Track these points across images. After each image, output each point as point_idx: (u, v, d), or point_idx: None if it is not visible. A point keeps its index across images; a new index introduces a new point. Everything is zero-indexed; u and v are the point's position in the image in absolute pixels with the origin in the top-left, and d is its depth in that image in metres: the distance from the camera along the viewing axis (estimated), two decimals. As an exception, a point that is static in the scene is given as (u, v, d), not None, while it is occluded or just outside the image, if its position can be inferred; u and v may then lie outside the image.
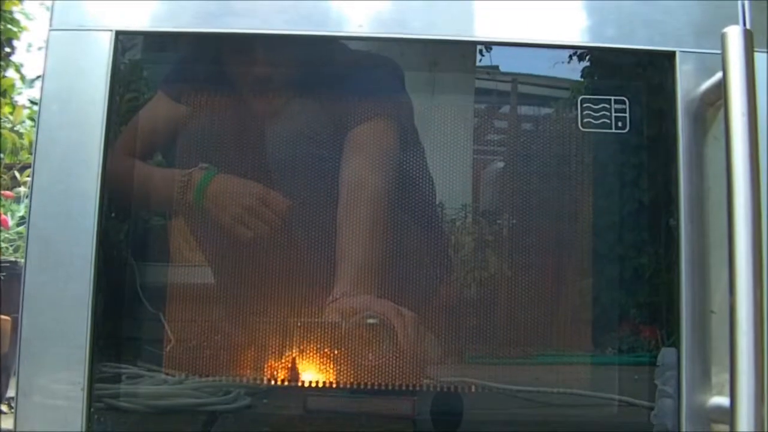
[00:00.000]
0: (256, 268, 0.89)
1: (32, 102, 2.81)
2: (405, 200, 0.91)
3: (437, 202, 0.90)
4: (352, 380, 0.85)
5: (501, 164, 0.92)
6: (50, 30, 0.86)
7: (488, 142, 0.93)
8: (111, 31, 0.85)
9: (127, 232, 0.86)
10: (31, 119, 2.73)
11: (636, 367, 0.86)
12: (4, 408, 2.09)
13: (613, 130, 0.86)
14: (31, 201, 0.84)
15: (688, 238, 0.83)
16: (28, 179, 2.58)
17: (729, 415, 0.76)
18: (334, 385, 0.85)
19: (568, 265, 0.90)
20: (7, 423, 1.81)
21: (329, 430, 0.83)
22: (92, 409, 0.81)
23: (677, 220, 0.84)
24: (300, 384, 0.85)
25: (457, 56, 0.91)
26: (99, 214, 0.83)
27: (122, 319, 0.85)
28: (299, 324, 0.87)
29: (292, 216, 0.90)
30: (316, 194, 0.89)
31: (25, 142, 2.63)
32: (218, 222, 0.90)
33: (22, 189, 2.62)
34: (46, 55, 0.85)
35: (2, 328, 1.89)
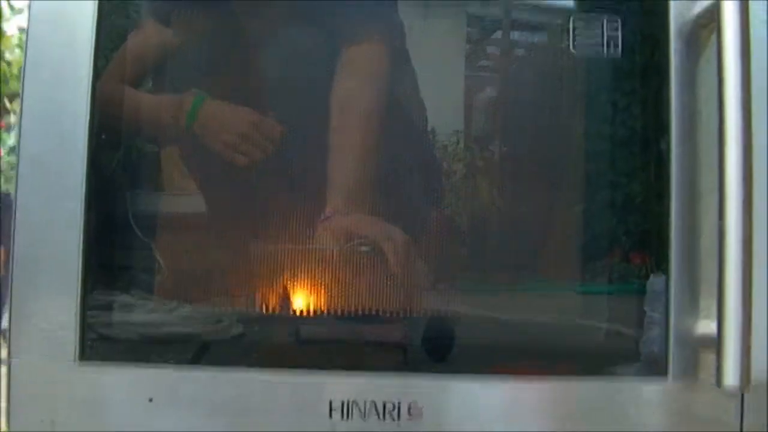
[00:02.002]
0: (248, 194, 0.89)
1: (21, 30, 2.78)
2: (396, 123, 0.90)
3: (428, 127, 0.89)
4: (344, 307, 0.85)
5: (492, 89, 0.91)
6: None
7: (480, 68, 0.93)
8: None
9: (118, 158, 0.86)
10: (20, 47, 2.69)
11: (625, 296, 0.86)
12: None
13: (605, 52, 0.85)
14: (20, 123, 0.83)
15: (679, 162, 0.83)
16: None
17: (715, 339, 0.77)
18: (325, 313, 0.85)
19: (559, 192, 0.90)
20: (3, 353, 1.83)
21: (321, 357, 0.83)
22: (85, 337, 0.82)
23: (668, 144, 0.83)
24: (292, 312, 0.86)
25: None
26: (89, 136, 0.82)
27: (114, 246, 0.85)
28: (291, 250, 0.87)
29: (284, 140, 0.89)
30: (308, 116, 0.89)
31: (14, 70, 2.60)
32: (210, 147, 0.90)
33: (13, 118, 2.60)
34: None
35: None
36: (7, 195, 2.20)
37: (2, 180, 2.35)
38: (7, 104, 2.60)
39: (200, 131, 0.89)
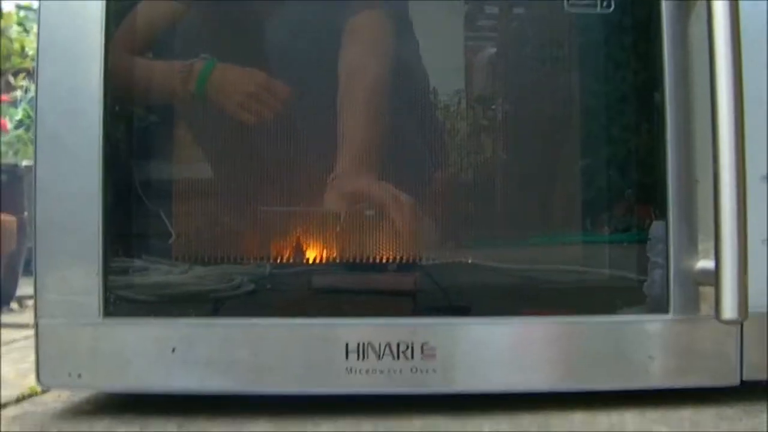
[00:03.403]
0: (257, 156, 0.92)
1: (18, 7, 2.80)
2: (402, 87, 0.94)
3: (431, 89, 0.93)
4: (354, 258, 0.89)
5: (491, 48, 0.95)
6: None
7: (479, 28, 0.96)
8: None
9: (131, 127, 0.89)
10: (19, 24, 2.72)
11: (628, 244, 0.89)
12: (15, 306, 2.14)
13: (599, 10, 0.89)
14: (37, 100, 0.86)
15: (673, 114, 0.86)
16: (23, 83, 2.61)
17: (714, 275, 0.80)
18: (337, 264, 0.89)
19: (560, 148, 0.93)
20: (22, 318, 1.86)
21: (334, 305, 0.87)
22: (108, 297, 0.85)
23: (662, 97, 0.87)
24: (303, 264, 0.89)
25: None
26: (104, 109, 0.85)
27: (130, 213, 0.88)
28: (300, 210, 0.91)
29: (294, 103, 0.93)
30: (316, 81, 0.92)
31: (16, 46, 2.64)
32: (219, 110, 0.93)
33: (18, 93, 2.64)
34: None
35: (7, 228, 1.93)
36: (17, 166, 2.23)
37: (8, 152, 2.38)
38: (11, 80, 2.63)
39: (210, 95, 0.92)
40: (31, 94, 1.78)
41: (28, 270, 0.86)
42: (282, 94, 0.94)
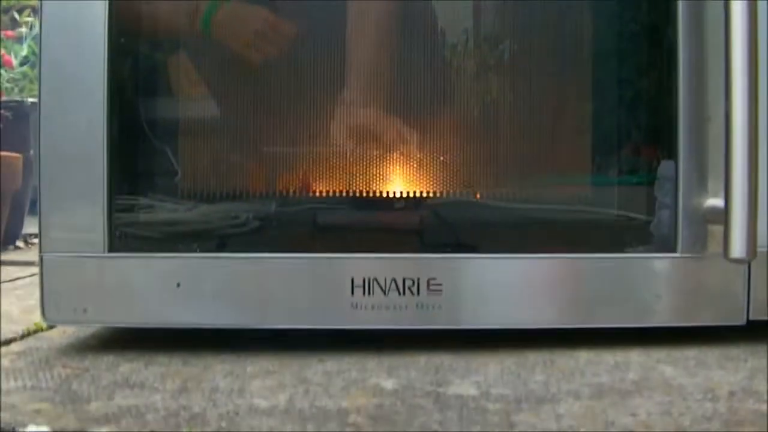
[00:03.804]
0: (263, 93, 0.91)
1: None
2: (411, 21, 0.92)
3: (441, 25, 0.91)
4: (360, 194, 0.88)
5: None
6: None
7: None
8: None
9: (137, 64, 0.88)
10: None
11: (636, 186, 0.88)
12: (21, 244, 2.15)
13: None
14: (41, 36, 0.85)
15: (686, 51, 0.85)
16: (28, 19, 2.59)
17: (723, 213, 0.79)
18: (342, 200, 0.88)
19: (570, 89, 0.92)
20: (27, 256, 1.87)
21: (340, 242, 0.86)
22: (113, 233, 0.85)
23: (674, 34, 0.85)
24: (308, 199, 0.88)
25: None
26: (109, 43, 0.84)
27: (135, 150, 0.88)
28: (306, 146, 0.90)
29: (300, 39, 0.92)
30: (322, 19, 0.91)
31: None
32: (226, 49, 0.92)
33: (23, 29, 2.62)
34: None
35: (12, 166, 1.92)
36: (22, 103, 2.22)
37: (13, 89, 2.37)
38: (16, 16, 2.61)
39: (215, 32, 0.91)
40: (36, 30, 1.76)
41: (35, 209, 0.86)
42: (288, 31, 0.92)
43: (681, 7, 0.85)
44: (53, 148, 0.85)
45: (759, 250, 0.80)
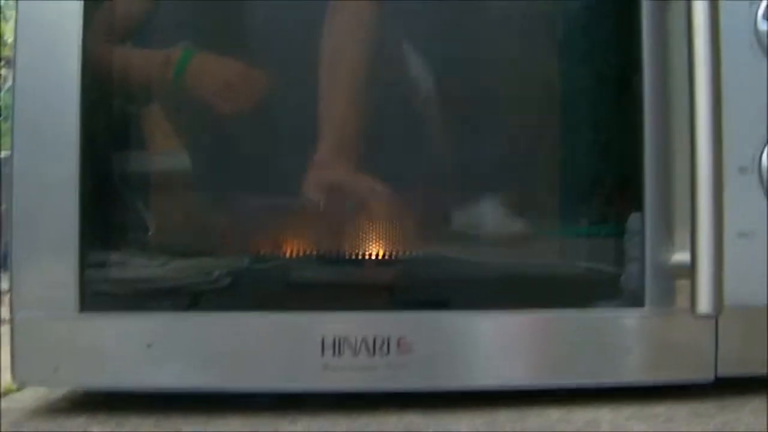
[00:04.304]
0: (236, 147, 0.91)
1: None
2: (382, 75, 0.93)
3: (411, 78, 0.92)
4: (331, 251, 0.88)
5: (471, 36, 0.93)
6: None
7: (460, 17, 0.94)
8: None
9: (110, 118, 0.88)
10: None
11: (605, 237, 0.89)
12: None
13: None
14: (14, 90, 0.86)
15: (651, 105, 0.86)
16: (2, 72, 2.59)
17: (689, 268, 0.80)
18: (313, 257, 0.88)
19: (537, 139, 0.93)
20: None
21: (311, 299, 0.86)
22: (85, 291, 0.85)
23: (640, 86, 0.86)
24: (280, 257, 0.89)
25: None
26: (81, 99, 0.84)
27: (107, 206, 0.88)
28: (278, 202, 0.90)
29: (272, 92, 0.92)
30: (295, 70, 0.91)
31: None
32: (196, 100, 0.93)
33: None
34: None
35: None
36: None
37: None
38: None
39: (188, 84, 0.91)
40: (9, 83, 1.76)
41: (6, 265, 0.86)
42: (260, 83, 0.93)
43: (646, 61, 0.86)
44: (24, 204, 0.85)
45: (726, 304, 0.80)
